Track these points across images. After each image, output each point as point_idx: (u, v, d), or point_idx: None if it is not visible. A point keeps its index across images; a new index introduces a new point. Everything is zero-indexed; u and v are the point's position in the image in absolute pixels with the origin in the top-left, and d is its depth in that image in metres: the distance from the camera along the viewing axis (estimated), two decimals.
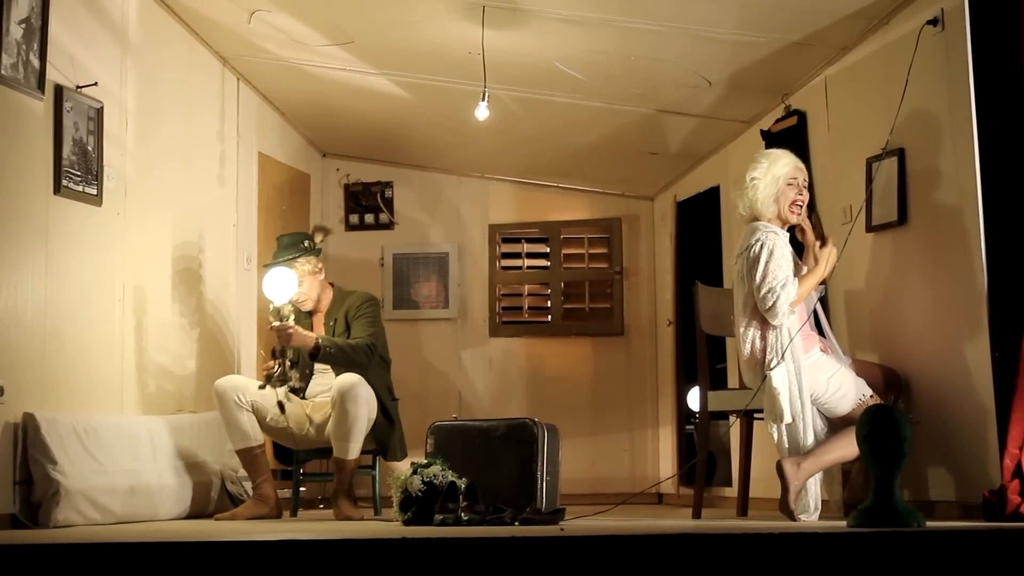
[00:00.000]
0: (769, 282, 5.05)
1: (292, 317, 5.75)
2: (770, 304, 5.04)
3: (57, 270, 5.25)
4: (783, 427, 5.05)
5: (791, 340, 5.03)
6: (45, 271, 5.18)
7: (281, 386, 5.80)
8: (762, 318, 5.09)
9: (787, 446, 5.07)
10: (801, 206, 5.24)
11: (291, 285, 5.78)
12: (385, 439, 5.96)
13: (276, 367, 5.75)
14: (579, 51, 6.14)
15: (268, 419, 5.82)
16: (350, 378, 5.72)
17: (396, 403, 6.08)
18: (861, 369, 5.18)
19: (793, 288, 5.05)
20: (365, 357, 5.83)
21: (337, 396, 5.68)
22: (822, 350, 5.15)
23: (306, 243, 6.04)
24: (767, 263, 5.07)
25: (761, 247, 5.11)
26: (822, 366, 5.09)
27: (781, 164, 5.24)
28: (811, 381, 5.05)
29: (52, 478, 4.97)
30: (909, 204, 5.24)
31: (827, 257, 5.18)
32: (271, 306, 5.76)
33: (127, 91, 5.83)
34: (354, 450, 5.76)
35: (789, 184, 5.22)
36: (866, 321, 5.60)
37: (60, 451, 5.03)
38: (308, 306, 6.07)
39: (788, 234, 5.24)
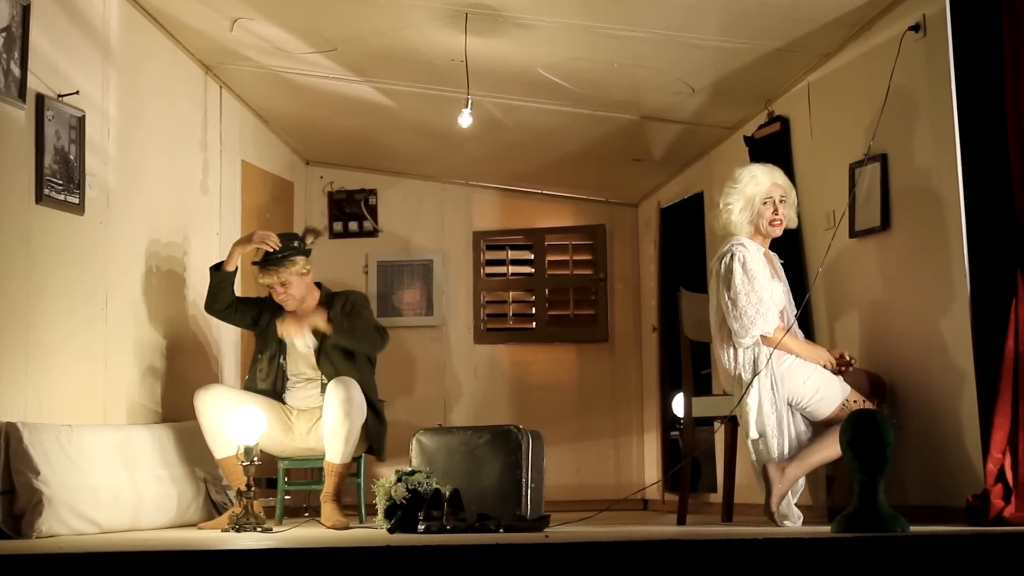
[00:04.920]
0: (743, 305, 5.03)
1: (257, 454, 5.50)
2: (740, 328, 5.04)
3: (39, 279, 5.23)
4: (748, 442, 5.06)
5: (769, 356, 5.03)
6: (27, 280, 5.15)
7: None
8: None
9: (754, 459, 5.08)
10: (781, 221, 5.24)
11: (260, 426, 5.51)
12: (379, 440, 5.98)
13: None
14: (562, 58, 6.14)
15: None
16: (345, 382, 5.74)
17: (383, 403, 6.08)
18: (846, 375, 5.18)
19: (770, 323, 5.03)
20: (379, 337, 5.99)
21: (332, 400, 5.68)
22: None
23: (296, 243, 6.03)
24: (742, 282, 5.05)
25: (732, 259, 5.10)
26: (796, 370, 5.09)
27: (754, 185, 5.20)
28: (787, 387, 5.06)
29: (35, 488, 4.94)
30: (892, 210, 5.26)
31: (819, 355, 5.16)
32: (239, 447, 5.49)
33: (109, 99, 5.82)
34: (347, 454, 5.76)
35: (765, 203, 5.21)
36: (849, 327, 5.60)
37: (43, 461, 5.00)
38: (291, 305, 6.03)
39: (763, 248, 5.23)
